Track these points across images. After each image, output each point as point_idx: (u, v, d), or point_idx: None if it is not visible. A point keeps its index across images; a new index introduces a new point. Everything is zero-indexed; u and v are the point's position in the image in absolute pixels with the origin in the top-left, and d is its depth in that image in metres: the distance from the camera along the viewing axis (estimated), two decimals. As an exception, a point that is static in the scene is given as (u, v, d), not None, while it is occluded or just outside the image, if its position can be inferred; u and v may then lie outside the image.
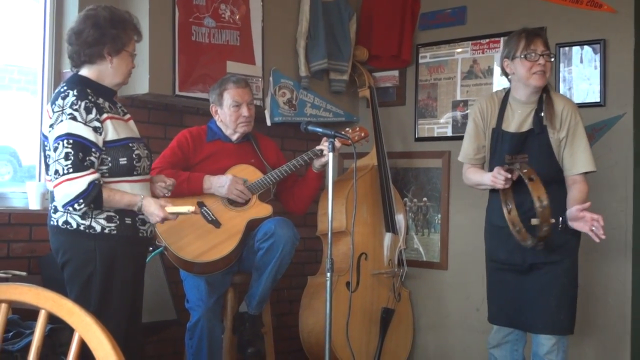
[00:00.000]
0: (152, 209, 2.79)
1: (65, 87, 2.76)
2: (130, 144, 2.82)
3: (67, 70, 3.64)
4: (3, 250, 3.54)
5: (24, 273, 3.44)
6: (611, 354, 4.07)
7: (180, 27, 3.99)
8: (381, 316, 4.49)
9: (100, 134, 2.73)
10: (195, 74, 4.05)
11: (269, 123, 4.44)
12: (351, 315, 3.94)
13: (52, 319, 1.44)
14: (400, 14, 4.81)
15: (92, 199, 2.66)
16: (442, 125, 4.71)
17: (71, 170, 2.65)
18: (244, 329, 3.67)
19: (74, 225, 2.74)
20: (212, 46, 4.15)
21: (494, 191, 3.35)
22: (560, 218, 3.14)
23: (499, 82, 4.42)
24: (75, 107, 2.69)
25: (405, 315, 4.69)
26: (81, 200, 2.66)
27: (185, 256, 3.49)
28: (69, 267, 2.78)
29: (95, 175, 2.68)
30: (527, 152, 3.24)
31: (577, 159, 3.24)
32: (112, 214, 2.77)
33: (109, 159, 2.75)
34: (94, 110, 2.73)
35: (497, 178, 3.14)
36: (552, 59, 3.36)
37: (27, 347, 2.75)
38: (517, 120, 3.30)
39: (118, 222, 2.78)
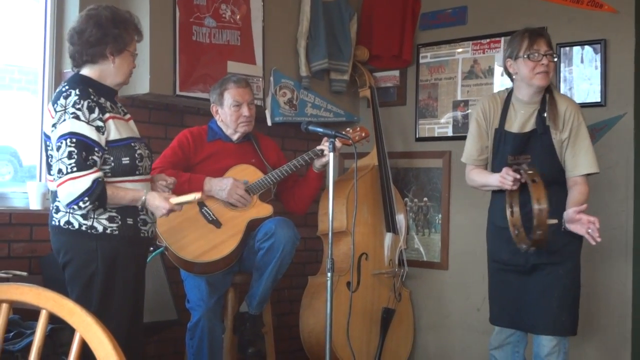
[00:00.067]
0: (157, 202, 2.80)
1: (67, 87, 2.76)
2: (132, 144, 2.82)
3: (68, 70, 3.64)
4: (4, 250, 3.54)
5: (24, 273, 3.44)
6: (612, 355, 4.07)
7: (180, 27, 3.99)
8: (382, 316, 4.49)
9: (103, 134, 2.73)
10: (196, 74, 4.05)
11: (269, 123, 4.44)
12: (352, 315, 3.94)
13: (53, 319, 1.44)
14: (400, 13, 4.81)
15: (96, 196, 2.66)
16: (443, 125, 4.71)
17: (75, 169, 2.65)
18: (244, 329, 3.67)
19: (76, 226, 2.74)
20: (213, 46, 4.15)
21: (497, 192, 3.34)
22: (563, 219, 3.14)
23: (500, 82, 4.42)
24: (78, 106, 2.69)
25: (406, 315, 4.69)
26: (86, 198, 2.66)
27: (185, 256, 3.49)
28: (70, 267, 2.78)
29: (99, 174, 2.69)
30: (529, 152, 3.22)
31: (579, 160, 3.22)
32: (114, 214, 2.77)
33: (112, 158, 2.75)
34: (97, 110, 2.73)
35: (505, 179, 3.13)
36: (556, 59, 3.35)
37: (28, 347, 2.74)
38: (520, 120, 3.28)
39: (120, 223, 2.78)
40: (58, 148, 2.68)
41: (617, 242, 4.01)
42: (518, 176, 3.10)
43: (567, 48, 4.18)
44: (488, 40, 4.52)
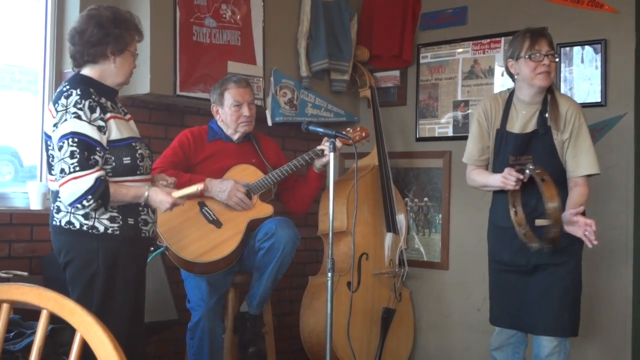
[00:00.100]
0: (160, 196, 2.81)
1: (68, 87, 2.76)
2: (134, 144, 2.83)
3: (69, 70, 3.64)
4: (4, 250, 3.54)
5: (25, 273, 3.44)
6: (612, 355, 4.07)
7: (181, 27, 3.99)
8: (382, 316, 4.49)
9: (105, 133, 2.73)
10: (196, 74, 4.05)
11: (270, 123, 4.44)
12: (352, 315, 3.94)
13: (54, 318, 1.44)
14: (401, 14, 4.81)
15: (99, 194, 2.67)
16: (443, 125, 4.71)
17: (77, 168, 2.65)
18: (244, 328, 3.67)
19: (77, 226, 2.74)
20: (213, 46, 4.15)
21: (498, 192, 3.34)
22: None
23: (500, 83, 4.43)
24: (79, 106, 2.69)
25: (406, 315, 4.69)
26: (90, 197, 2.66)
27: (186, 256, 3.49)
28: (71, 267, 2.78)
29: (101, 172, 2.69)
30: (531, 153, 3.22)
31: (579, 161, 3.22)
32: (115, 214, 2.77)
33: (113, 158, 2.76)
34: (98, 110, 2.73)
35: (507, 179, 3.12)
36: (557, 59, 3.34)
37: (29, 347, 2.75)
38: (522, 120, 3.28)
39: (121, 223, 2.78)
40: (60, 148, 2.68)
41: (617, 242, 4.01)
42: (521, 176, 3.10)
43: (567, 48, 4.18)
44: (488, 40, 4.52)
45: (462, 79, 4.63)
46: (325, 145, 3.71)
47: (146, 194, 2.79)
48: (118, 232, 2.77)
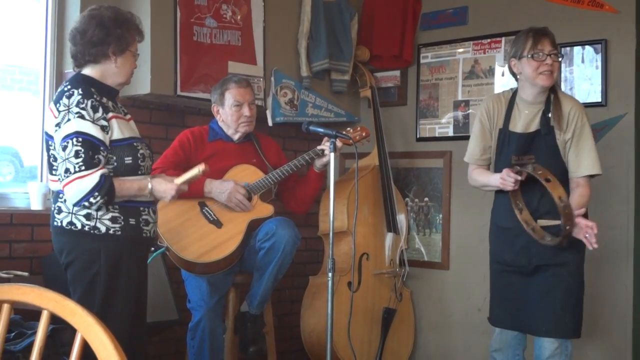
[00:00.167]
0: (164, 186, 2.83)
1: (69, 86, 2.76)
2: (135, 144, 2.83)
3: (69, 70, 3.64)
4: (5, 251, 3.55)
5: (25, 273, 3.44)
6: (613, 355, 4.07)
7: (181, 27, 3.99)
8: (383, 316, 4.49)
9: (107, 133, 2.73)
10: (197, 74, 4.06)
11: (270, 123, 4.44)
12: (353, 315, 3.94)
13: (54, 319, 1.44)
14: (401, 14, 4.82)
15: (106, 190, 2.67)
16: (444, 126, 4.71)
17: (83, 167, 2.65)
18: (245, 328, 3.67)
19: (79, 226, 2.74)
20: (214, 46, 4.15)
21: (500, 192, 3.33)
22: None
23: (500, 83, 4.42)
24: (82, 105, 2.69)
25: (407, 315, 4.69)
26: (96, 194, 2.66)
27: (187, 256, 3.49)
28: (73, 267, 2.78)
29: (105, 170, 2.70)
30: (533, 153, 3.21)
31: (581, 161, 3.20)
32: (117, 214, 2.77)
33: (114, 158, 2.76)
34: (101, 109, 2.73)
35: (506, 180, 3.11)
36: (560, 59, 3.34)
37: (29, 347, 2.75)
38: (524, 120, 3.27)
39: (122, 223, 2.78)
40: (64, 148, 2.67)
41: (618, 242, 4.01)
42: (519, 177, 3.09)
43: (568, 48, 4.18)
44: (489, 40, 4.52)
45: (462, 79, 4.63)
46: (325, 145, 3.71)
47: (149, 185, 2.80)
48: (120, 232, 2.77)
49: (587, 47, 4.16)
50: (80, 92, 2.72)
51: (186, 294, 3.68)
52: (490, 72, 4.51)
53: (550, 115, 3.23)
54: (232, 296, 3.74)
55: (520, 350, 3.39)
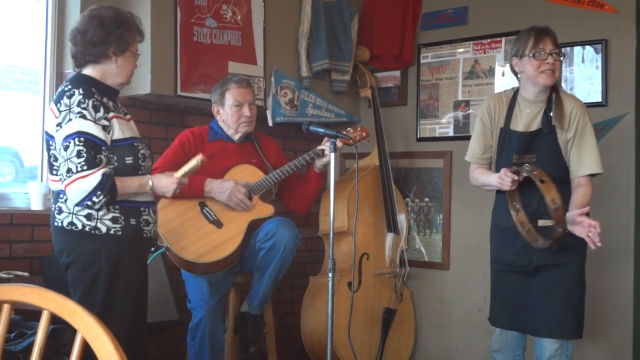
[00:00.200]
0: (164, 181, 2.84)
1: (69, 86, 2.76)
2: (135, 144, 2.83)
3: (69, 70, 3.64)
4: (5, 251, 3.55)
5: (26, 274, 3.44)
6: (613, 355, 4.07)
7: (182, 27, 3.99)
8: (383, 316, 4.49)
9: (109, 133, 2.74)
10: (197, 75, 4.05)
11: (270, 123, 4.44)
12: (353, 315, 3.94)
13: (54, 319, 1.44)
14: (401, 14, 4.81)
15: (108, 189, 2.67)
16: (444, 126, 4.71)
17: (85, 167, 2.65)
18: (245, 329, 3.67)
19: (80, 227, 2.74)
20: (214, 46, 4.15)
21: (501, 192, 3.33)
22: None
23: (501, 83, 4.42)
24: (83, 105, 2.69)
25: (407, 316, 4.69)
26: (99, 192, 2.66)
27: (187, 256, 3.49)
28: (73, 268, 2.78)
29: (107, 169, 2.70)
30: (534, 152, 3.21)
31: (583, 160, 3.20)
32: (118, 214, 2.77)
33: (115, 158, 2.76)
34: (102, 109, 2.74)
35: (503, 180, 3.11)
36: (562, 58, 3.34)
37: (30, 347, 2.75)
38: (526, 119, 3.26)
39: (123, 223, 2.78)
40: (66, 147, 2.67)
41: (618, 242, 4.00)
42: (516, 177, 3.08)
43: (568, 48, 4.18)
44: (489, 40, 4.52)
45: (462, 79, 4.63)
46: (325, 146, 3.71)
47: (150, 182, 2.81)
48: (120, 232, 2.77)
49: (587, 47, 4.15)
50: (81, 92, 2.72)
51: (186, 294, 3.68)
52: (491, 72, 4.51)
53: (551, 114, 3.22)
54: (232, 296, 3.74)
55: (520, 350, 3.39)
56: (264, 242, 3.55)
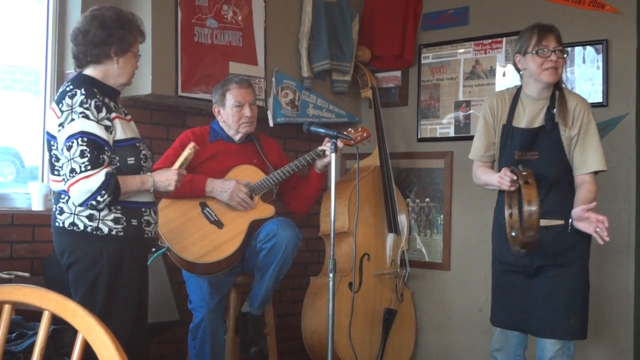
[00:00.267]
0: (164, 175, 2.86)
1: (71, 86, 2.76)
2: (137, 144, 2.83)
3: (70, 71, 3.64)
4: (6, 251, 3.55)
5: (26, 274, 3.44)
6: (615, 355, 4.07)
7: (182, 28, 3.99)
8: (384, 317, 4.49)
9: (111, 133, 2.74)
10: (198, 75, 4.06)
11: (271, 124, 4.44)
12: (354, 315, 3.94)
13: (55, 319, 1.44)
14: (402, 14, 4.81)
15: (112, 188, 2.68)
16: (445, 126, 4.71)
17: (89, 167, 2.66)
18: (246, 329, 3.67)
19: (81, 227, 2.74)
20: (215, 47, 4.15)
21: (503, 192, 3.32)
22: (570, 219, 3.11)
23: (501, 83, 4.42)
24: (85, 105, 2.69)
25: (408, 316, 4.68)
26: (103, 192, 2.66)
27: (188, 257, 3.49)
28: (75, 268, 2.78)
29: (109, 168, 2.70)
30: (537, 149, 3.20)
31: (587, 158, 3.19)
32: (119, 215, 2.77)
33: (117, 158, 2.76)
34: (104, 109, 2.74)
35: (503, 179, 3.11)
36: (565, 56, 3.33)
37: (31, 348, 2.75)
38: (528, 116, 3.25)
39: (125, 224, 2.78)
40: (69, 148, 2.67)
41: (619, 242, 4.00)
42: (514, 177, 3.08)
43: (569, 48, 4.17)
44: (490, 40, 4.52)
45: (463, 79, 4.63)
46: (326, 146, 3.71)
47: (151, 179, 2.82)
48: (122, 233, 2.77)
49: (588, 47, 4.15)
50: (83, 92, 2.72)
51: (187, 295, 3.68)
52: (491, 72, 4.51)
53: (555, 111, 3.21)
54: (233, 297, 3.74)
55: (521, 350, 3.39)
56: (264, 243, 3.55)
